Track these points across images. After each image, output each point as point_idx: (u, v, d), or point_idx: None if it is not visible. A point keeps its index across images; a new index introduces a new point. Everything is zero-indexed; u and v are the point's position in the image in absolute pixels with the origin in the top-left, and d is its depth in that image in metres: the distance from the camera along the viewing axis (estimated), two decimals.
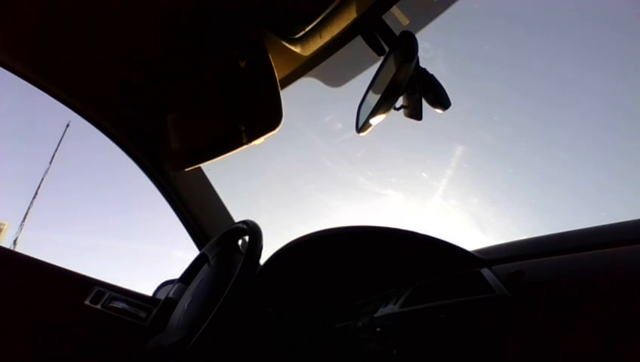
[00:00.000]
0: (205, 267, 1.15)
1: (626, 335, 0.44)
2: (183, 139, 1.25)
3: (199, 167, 1.41)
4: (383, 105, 0.79)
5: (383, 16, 0.93)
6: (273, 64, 0.98)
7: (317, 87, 1.22)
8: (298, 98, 1.25)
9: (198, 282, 1.08)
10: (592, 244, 0.59)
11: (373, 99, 0.84)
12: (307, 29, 0.93)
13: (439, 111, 0.83)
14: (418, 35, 0.79)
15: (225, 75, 1.11)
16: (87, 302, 1.18)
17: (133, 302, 1.24)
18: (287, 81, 1.17)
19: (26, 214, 7.63)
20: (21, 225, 7.52)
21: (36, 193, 7.84)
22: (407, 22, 1.02)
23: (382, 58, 0.90)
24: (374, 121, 0.82)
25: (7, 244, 7.13)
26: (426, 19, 1.03)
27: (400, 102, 0.82)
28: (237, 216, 1.47)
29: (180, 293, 1.13)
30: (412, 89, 0.80)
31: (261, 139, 0.99)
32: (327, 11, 0.89)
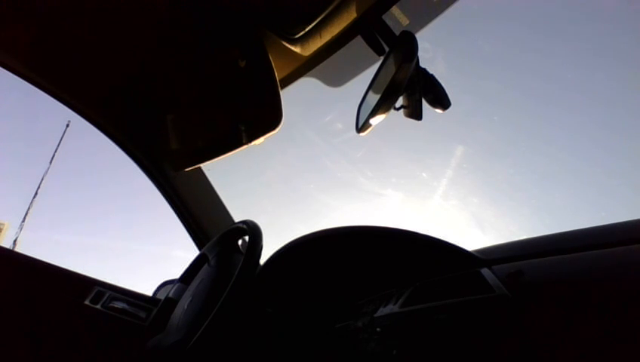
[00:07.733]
0: (205, 267, 1.14)
1: (626, 335, 0.44)
2: (183, 139, 1.25)
3: (199, 167, 1.41)
4: (383, 105, 0.79)
5: (383, 16, 0.93)
6: (273, 64, 0.98)
7: (317, 87, 1.22)
8: (298, 98, 1.25)
9: (198, 282, 1.08)
10: (592, 244, 0.59)
11: (373, 99, 0.84)
12: (307, 29, 0.93)
13: (439, 111, 0.83)
14: (418, 35, 0.79)
15: (225, 75, 1.11)
16: (87, 302, 1.18)
17: (133, 302, 1.24)
18: (287, 81, 1.17)
19: (26, 214, 7.64)
20: (21, 225, 7.54)
21: (36, 193, 7.86)
22: (407, 22, 1.02)
23: (382, 58, 0.90)
24: (374, 121, 0.82)
25: (7, 244, 7.14)
26: (426, 19, 1.03)
27: (400, 102, 0.82)
28: (237, 216, 1.47)
29: (180, 293, 1.13)
30: (412, 89, 0.80)
31: (261, 139, 0.99)
32: (327, 11, 0.89)
